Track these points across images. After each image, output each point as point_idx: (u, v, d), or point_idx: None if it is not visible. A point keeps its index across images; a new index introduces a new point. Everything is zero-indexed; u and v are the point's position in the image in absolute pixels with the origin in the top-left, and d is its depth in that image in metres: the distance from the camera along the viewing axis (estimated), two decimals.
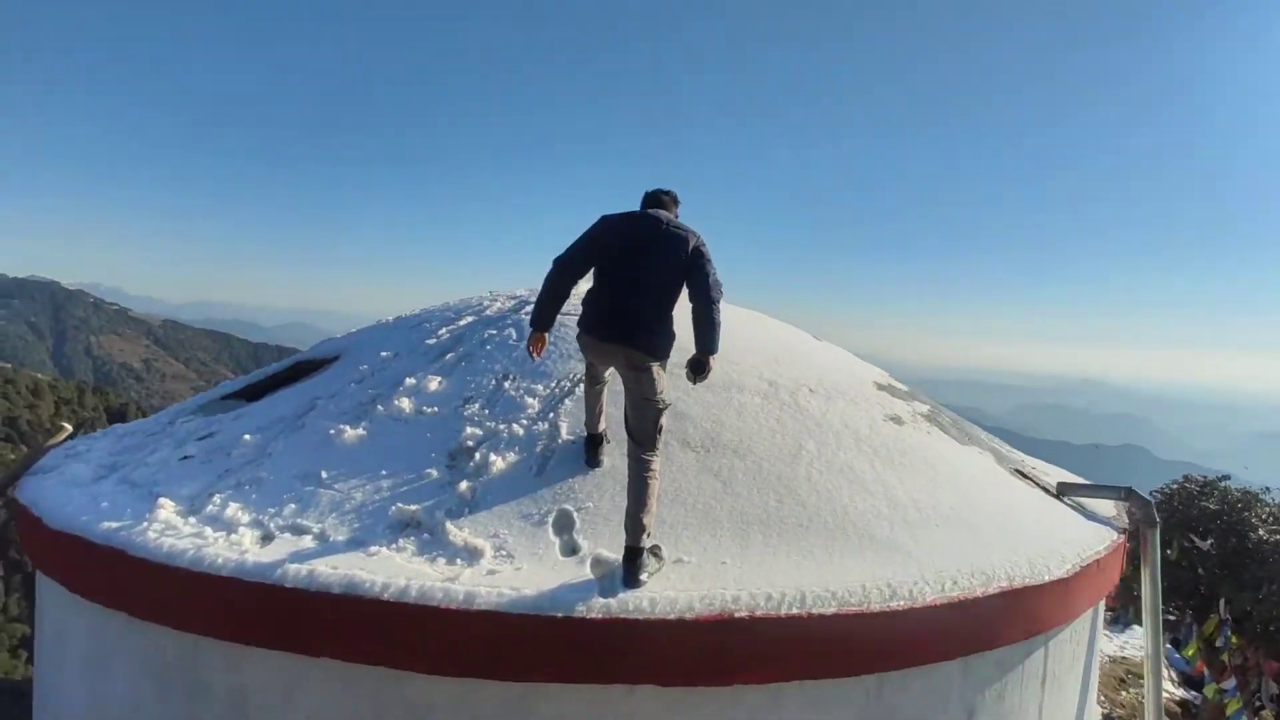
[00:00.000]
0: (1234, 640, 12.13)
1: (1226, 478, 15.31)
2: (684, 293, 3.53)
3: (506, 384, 4.46)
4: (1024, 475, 5.20)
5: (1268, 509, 13.09)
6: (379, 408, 4.31)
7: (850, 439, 4.44)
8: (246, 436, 4.26)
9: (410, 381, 4.53)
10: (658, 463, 3.34)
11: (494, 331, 5.15)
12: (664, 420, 3.39)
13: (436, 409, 4.27)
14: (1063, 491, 5.08)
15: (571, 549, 3.35)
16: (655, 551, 3.25)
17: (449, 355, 4.88)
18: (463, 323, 5.47)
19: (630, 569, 3.08)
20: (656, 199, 3.73)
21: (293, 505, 3.59)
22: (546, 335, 3.71)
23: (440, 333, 5.32)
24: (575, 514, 3.53)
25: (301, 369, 5.79)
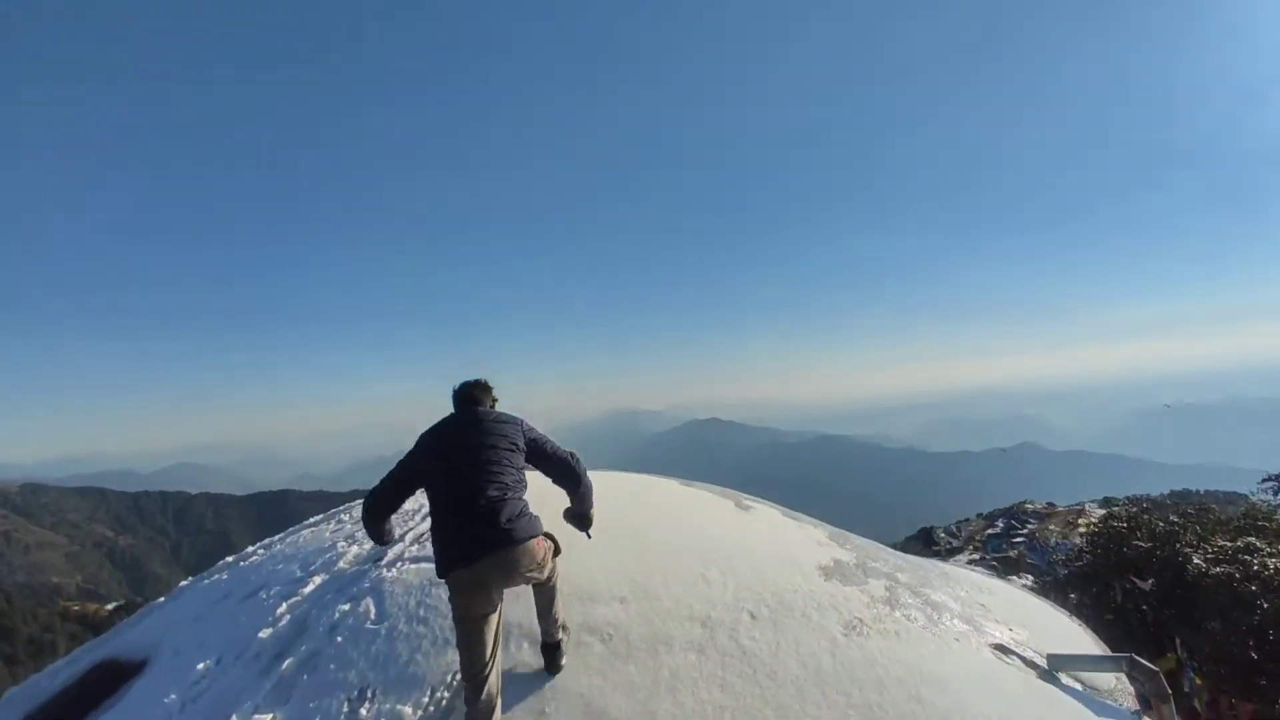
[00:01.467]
0: (1198, 681, 11.84)
1: (1147, 510, 15.46)
2: None
3: (363, 709, 3.31)
4: (1008, 651, 4.46)
5: (1194, 534, 13.15)
6: None
7: (814, 687, 3.54)
8: None
9: None
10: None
11: (347, 606, 4.01)
12: (557, 577, 3.44)
13: None
14: (1056, 668, 4.37)
15: None
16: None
17: (287, 661, 3.68)
18: (308, 589, 4.30)
19: (552, 660, 3.46)
20: (468, 396, 3.43)
21: None
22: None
23: (279, 611, 4.13)
24: None
25: (104, 675, 4.42)
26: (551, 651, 3.44)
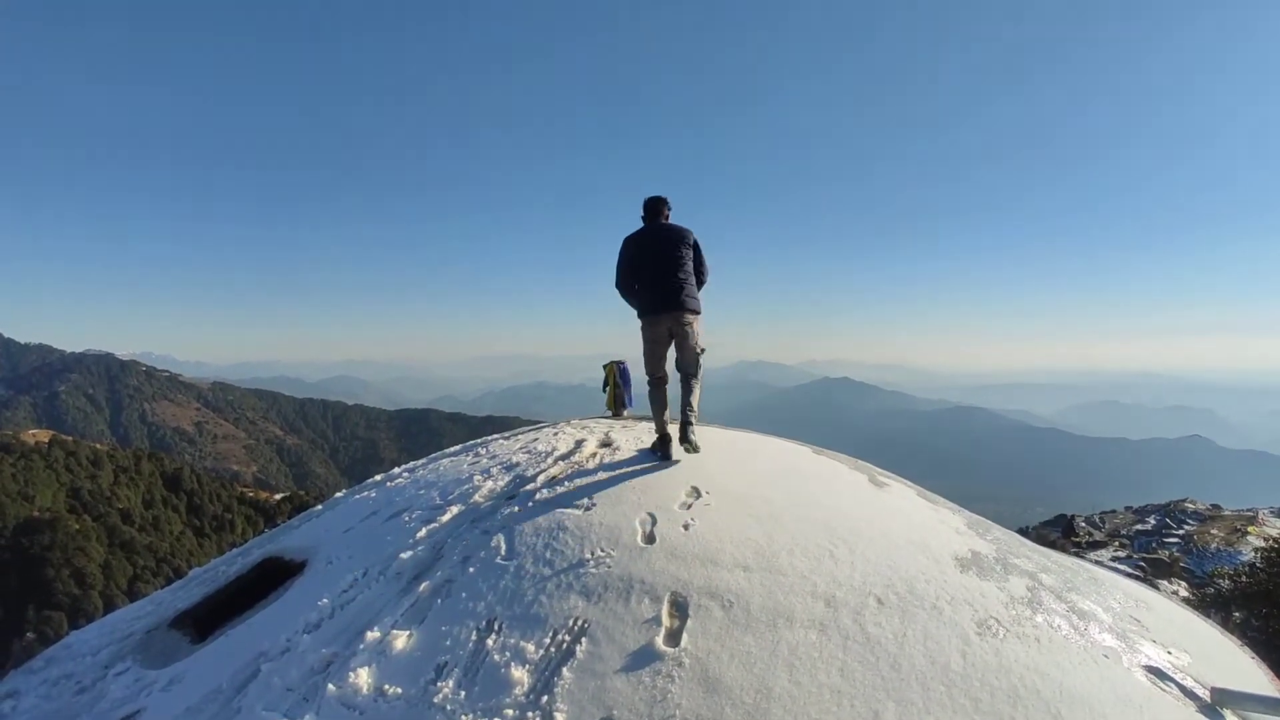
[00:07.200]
0: None
1: None
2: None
3: (490, 640, 3.49)
4: (1165, 676, 4.04)
5: None
6: (330, 686, 3.37)
7: (940, 685, 3.36)
8: None
9: (373, 636, 3.60)
10: (700, 375, 5.11)
11: (480, 538, 4.21)
12: (702, 360, 5.09)
13: (400, 689, 3.31)
14: (1221, 703, 3.91)
15: None
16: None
17: (424, 584, 3.94)
18: (446, 518, 4.56)
19: (687, 435, 4.97)
20: (655, 207, 5.40)
21: None
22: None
23: (419, 535, 4.42)
24: None
25: (270, 569, 4.95)
26: (684, 428, 4.99)
